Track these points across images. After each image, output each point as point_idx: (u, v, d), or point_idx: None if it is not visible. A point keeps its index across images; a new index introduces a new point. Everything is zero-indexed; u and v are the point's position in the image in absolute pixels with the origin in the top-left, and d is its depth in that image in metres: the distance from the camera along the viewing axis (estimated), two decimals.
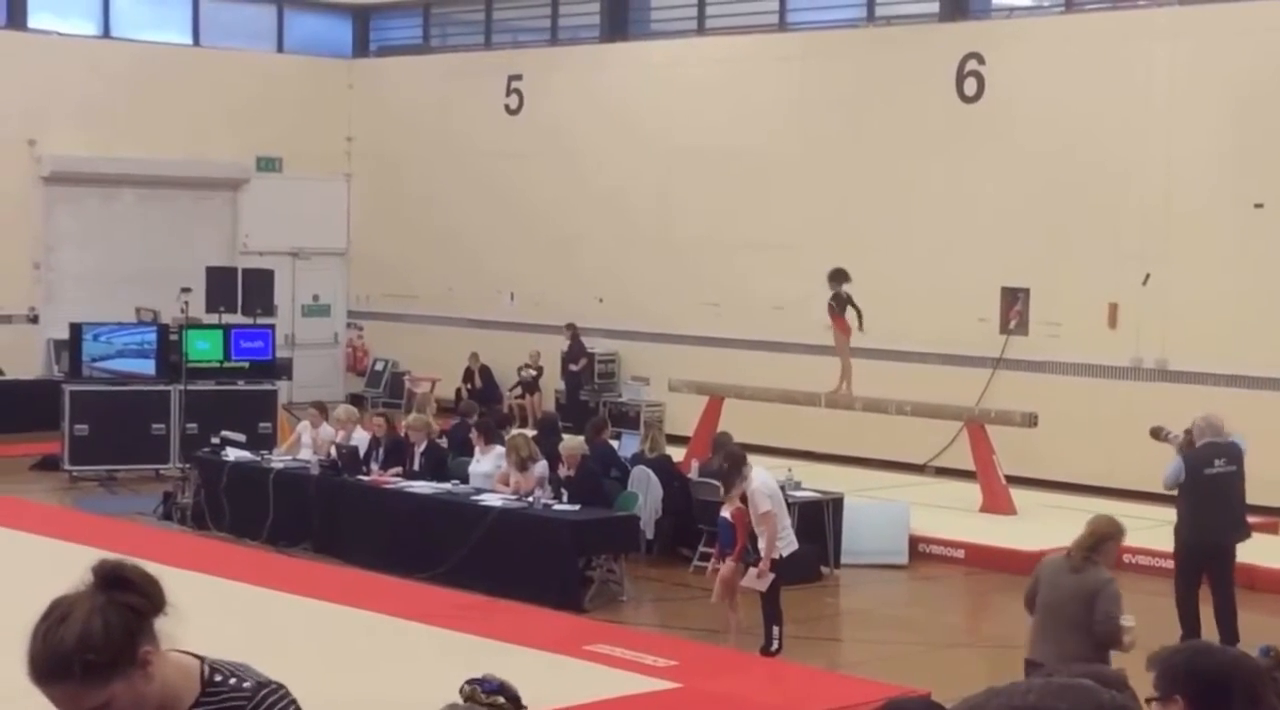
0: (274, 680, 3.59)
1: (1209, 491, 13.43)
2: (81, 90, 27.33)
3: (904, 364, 22.36)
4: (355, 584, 14.75)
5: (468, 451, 17.32)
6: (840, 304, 20.21)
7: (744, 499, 12.88)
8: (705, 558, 16.28)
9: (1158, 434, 14.17)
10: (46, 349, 27.09)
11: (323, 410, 18.86)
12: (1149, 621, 13.75)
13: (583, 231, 26.77)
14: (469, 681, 3.22)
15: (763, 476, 12.96)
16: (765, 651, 12.79)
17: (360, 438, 17.69)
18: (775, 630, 12.85)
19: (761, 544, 12.70)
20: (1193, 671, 4.02)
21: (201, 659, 3.59)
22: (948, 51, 22.56)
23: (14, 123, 26.73)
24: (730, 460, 13.03)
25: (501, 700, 3.16)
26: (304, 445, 18.38)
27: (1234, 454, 13.57)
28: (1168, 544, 16.98)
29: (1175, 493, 13.76)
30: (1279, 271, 19.68)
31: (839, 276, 20.18)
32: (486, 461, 16.53)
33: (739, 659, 12.70)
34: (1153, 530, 17.94)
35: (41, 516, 18.00)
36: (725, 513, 13.07)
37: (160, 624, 3.47)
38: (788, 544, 12.91)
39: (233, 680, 3.56)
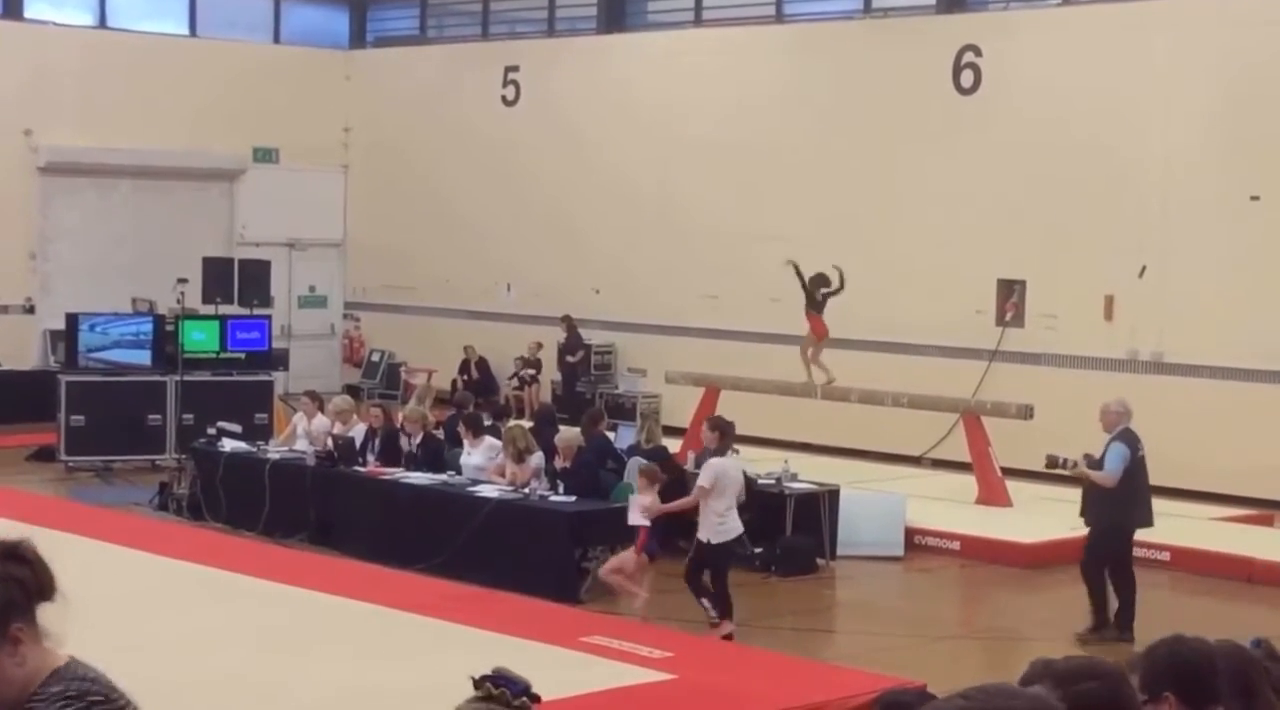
0: (102, 692, 3.54)
1: (1143, 474, 13.69)
2: (78, 81, 27.31)
3: (900, 356, 22.39)
4: (351, 575, 14.74)
5: (461, 443, 17.31)
6: (817, 307, 20.24)
7: (661, 493, 13.59)
8: None
9: (1054, 463, 14.22)
10: (42, 339, 27.08)
11: (316, 399, 18.82)
12: (1148, 615, 13.80)
13: (580, 223, 26.77)
14: (490, 681, 3.12)
15: (731, 463, 13.49)
16: (714, 626, 13.17)
17: (357, 429, 17.69)
18: (711, 606, 13.24)
19: (677, 503, 13.40)
20: (1176, 663, 3.99)
21: (71, 660, 3.57)
22: (944, 43, 22.56)
23: (10, 113, 26.71)
24: (723, 430, 13.66)
25: (526, 702, 3.11)
26: (299, 436, 18.36)
27: (1141, 441, 13.75)
28: (1164, 536, 17.06)
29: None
30: (1275, 264, 19.69)
31: (819, 281, 20.24)
32: (477, 454, 16.54)
33: (735, 651, 12.71)
34: None
35: (37, 507, 17.96)
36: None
37: (47, 617, 3.45)
38: (723, 533, 13.16)
39: (57, 688, 3.50)
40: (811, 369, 20.45)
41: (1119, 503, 13.59)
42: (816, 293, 20.22)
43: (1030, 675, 3.52)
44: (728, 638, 13.15)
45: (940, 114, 22.54)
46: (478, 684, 3.22)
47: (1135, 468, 13.58)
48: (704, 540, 13.21)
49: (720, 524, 13.15)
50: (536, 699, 3.23)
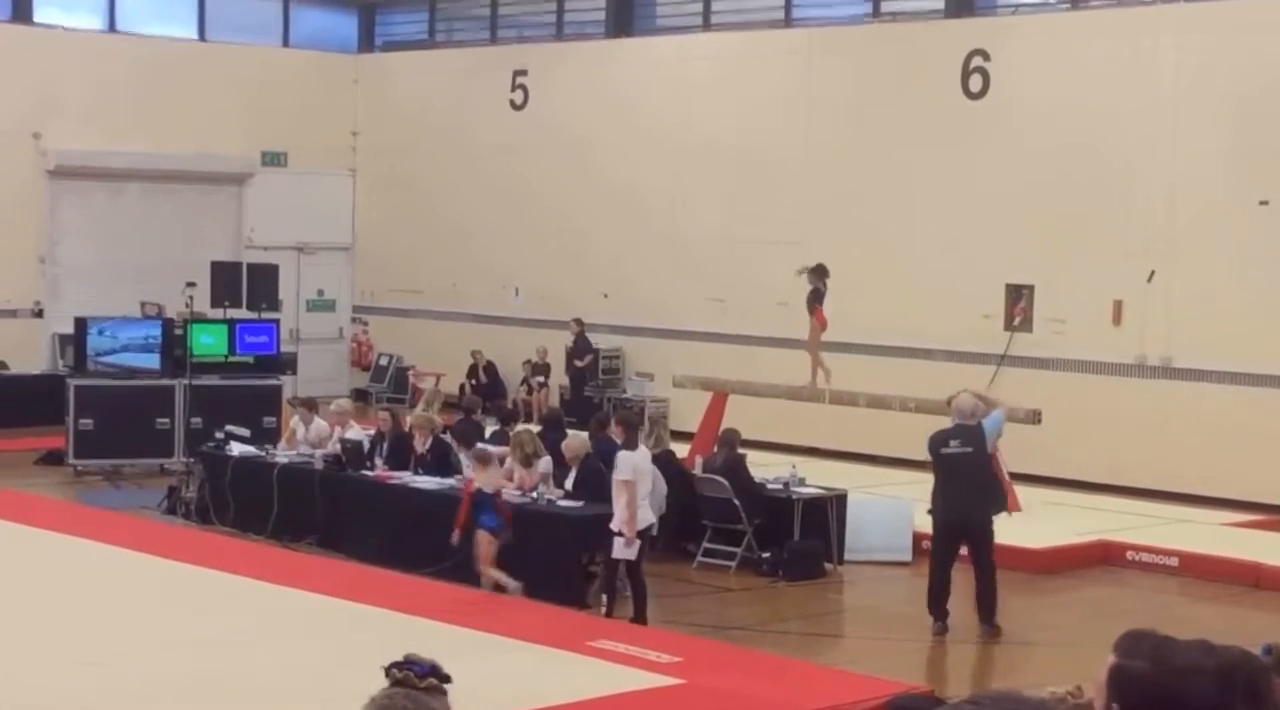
0: None
1: (946, 471, 13.91)
2: (87, 84, 27.35)
3: (908, 360, 22.36)
4: (359, 579, 14.75)
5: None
6: (818, 298, 20.16)
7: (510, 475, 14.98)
8: (709, 554, 16.33)
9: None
10: (51, 343, 27.10)
11: (311, 406, 18.84)
12: (1153, 620, 13.79)
13: (588, 227, 26.78)
14: (396, 666, 3.22)
15: (640, 455, 13.98)
16: (599, 611, 13.72)
17: (353, 431, 17.69)
18: (605, 597, 13.75)
19: (621, 515, 13.52)
20: None
21: None
22: (953, 48, 22.55)
23: (20, 116, 26.75)
24: (628, 424, 14.35)
25: (435, 682, 3.18)
26: (300, 441, 18.36)
27: (969, 435, 13.90)
28: (1172, 541, 17.09)
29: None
30: None
31: (820, 272, 20.17)
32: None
33: (743, 655, 12.71)
34: (1157, 528, 17.99)
35: (46, 511, 18.01)
36: (487, 489, 14.26)
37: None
38: (642, 519, 13.64)
39: None
40: (819, 368, 20.39)
41: (933, 498, 14.06)
42: (820, 284, 20.15)
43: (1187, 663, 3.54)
44: (640, 620, 13.59)
45: (948, 118, 22.53)
46: (387, 672, 3.26)
47: (938, 463, 13.95)
48: (618, 530, 13.61)
49: (639, 513, 13.62)
50: (446, 679, 3.25)
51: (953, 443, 13.88)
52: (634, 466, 13.74)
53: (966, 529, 13.96)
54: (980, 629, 13.76)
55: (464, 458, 16.78)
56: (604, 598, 13.87)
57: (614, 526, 13.65)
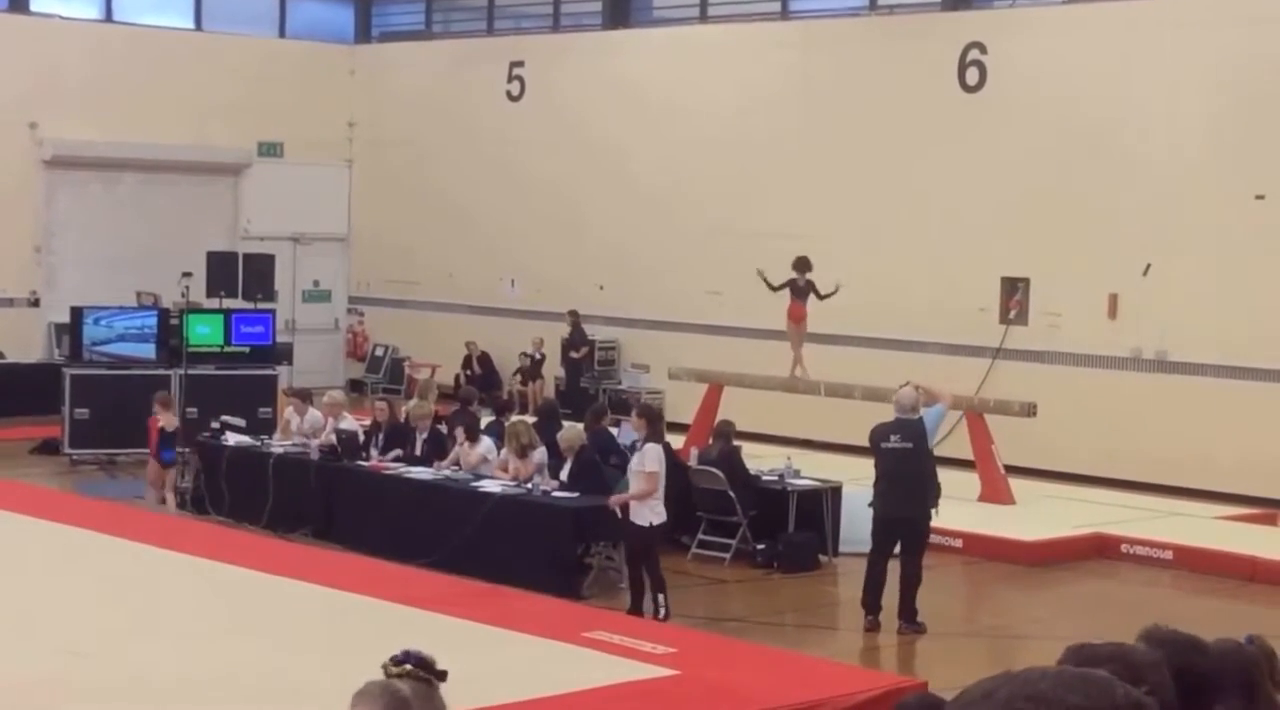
0: None
1: (885, 465, 14.00)
2: (83, 74, 27.33)
3: (904, 353, 22.36)
4: (354, 569, 14.74)
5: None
6: (800, 292, 20.18)
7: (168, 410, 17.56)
8: (704, 546, 16.33)
9: None
10: (47, 332, 27.10)
11: (305, 397, 18.84)
12: (1147, 613, 13.80)
13: (584, 218, 26.77)
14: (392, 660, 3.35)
15: (659, 449, 13.90)
16: (657, 618, 13.50)
17: (349, 423, 17.70)
18: (661, 597, 13.65)
19: (623, 498, 13.84)
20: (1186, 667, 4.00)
21: None
22: (950, 40, 22.55)
23: (16, 106, 26.72)
24: (650, 418, 14.25)
25: (408, 667, 3.23)
26: (294, 432, 18.37)
27: (910, 431, 13.91)
28: (1167, 534, 17.13)
29: None
30: (1279, 263, 19.68)
31: (802, 265, 20.20)
32: (473, 455, 16.61)
33: (738, 647, 12.71)
34: (1151, 521, 18.01)
35: (41, 500, 17.99)
36: (169, 429, 17.31)
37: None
38: (662, 513, 13.71)
39: None
40: (801, 363, 20.40)
41: (874, 490, 14.13)
42: (801, 277, 20.13)
43: (1063, 659, 3.54)
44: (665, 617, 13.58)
45: (945, 111, 22.53)
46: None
47: (878, 458, 14.03)
48: (648, 524, 13.63)
49: (657, 506, 13.67)
50: (419, 662, 3.29)
51: (893, 437, 13.89)
52: (660, 458, 13.72)
53: (902, 524, 13.89)
54: (899, 625, 13.70)
55: (460, 444, 16.79)
56: (661, 598, 13.72)
57: (615, 504, 13.85)
